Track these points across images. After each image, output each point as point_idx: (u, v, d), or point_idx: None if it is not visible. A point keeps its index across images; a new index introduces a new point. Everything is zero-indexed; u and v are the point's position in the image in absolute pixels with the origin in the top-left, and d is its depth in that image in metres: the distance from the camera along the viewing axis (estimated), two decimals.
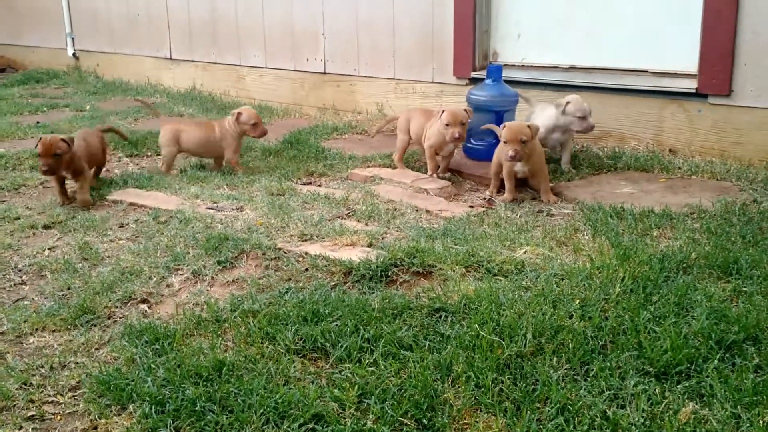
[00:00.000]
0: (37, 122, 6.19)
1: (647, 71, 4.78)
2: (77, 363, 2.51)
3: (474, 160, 4.83)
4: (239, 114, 4.66)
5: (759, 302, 2.62)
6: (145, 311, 2.90)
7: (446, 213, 3.90)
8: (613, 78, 4.87)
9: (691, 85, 4.48)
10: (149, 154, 5.31)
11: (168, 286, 3.09)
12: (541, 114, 4.52)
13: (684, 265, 2.99)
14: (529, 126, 3.94)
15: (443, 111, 4.34)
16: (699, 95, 4.45)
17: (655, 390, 2.15)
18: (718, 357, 2.29)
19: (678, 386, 2.18)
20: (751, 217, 3.53)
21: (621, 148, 4.77)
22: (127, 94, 7.64)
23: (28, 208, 4.10)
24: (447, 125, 4.27)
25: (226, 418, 2.12)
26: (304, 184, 4.51)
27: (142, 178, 4.55)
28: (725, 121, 4.38)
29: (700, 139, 4.51)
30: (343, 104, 6.34)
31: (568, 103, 4.33)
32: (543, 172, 4.08)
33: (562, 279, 2.91)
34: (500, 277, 2.98)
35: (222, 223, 3.69)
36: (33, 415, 2.24)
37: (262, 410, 2.13)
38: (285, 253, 3.29)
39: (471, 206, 4.05)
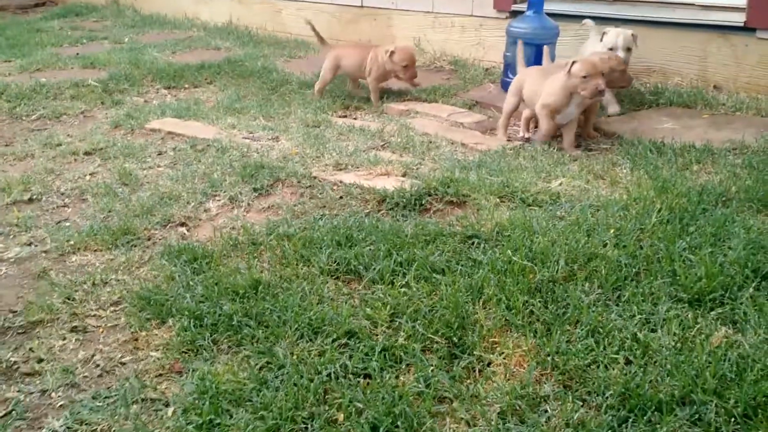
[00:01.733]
0: (77, 54, 6.25)
1: (694, 4, 4.62)
2: (118, 280, 2.59)
3: None
4: (392, 52, 4.57)
5: None
6: (184, 234, 2.96)
7: (482, 146, 3.87)
8: (660, 10, 4.71)
9: (739, 18, 4.31)
10: (186, 86, 5.33)
11: (205, 210, 3.15)
12: (591, 46, 4.41)
13: (723, 198, 2.95)
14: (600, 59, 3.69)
15: (573, 62, 3.60)
16: (747, 29, 4.29)
17: (687, 315, 2.15)
18: (753, 286, 2.27)
19: (711, 312, 2.17)
20: None
21: (664, 84, 4.65)
22: (164, 28, 7.63)
23: (69, 135, 4.17)
24: (585, 77, 3.54)
25: (262, 332, 2.18)
26: (340, 117, 4.50)
27: (180, 109, 4.58)
28: None
29: (746, 75, 4.37)
30: (379, 39, 6.23)
31: (604, 33, 4.22)
32: (593, 109, 3.86)
33: (598, 210, 2.89)
34: (534, 207, 2.98)
35: (258, 152, 3.72)
36: (76, 326, 2.33)
37: (296, 326, 2.19)
38: (320, 181, 3.31)
39: (508, 139, 4.01)
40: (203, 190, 3.29)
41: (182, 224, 3.04)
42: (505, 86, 4.84)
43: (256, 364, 2.06)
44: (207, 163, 3.61)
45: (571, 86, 3.59)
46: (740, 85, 4.40)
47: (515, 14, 5.14)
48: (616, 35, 4.18)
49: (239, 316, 2.25)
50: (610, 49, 4.15)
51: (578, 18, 4.95)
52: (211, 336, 2.20)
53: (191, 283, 2.49)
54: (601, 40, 4.24)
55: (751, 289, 2.25)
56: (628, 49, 4.18)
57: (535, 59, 4.61)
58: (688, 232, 2.63)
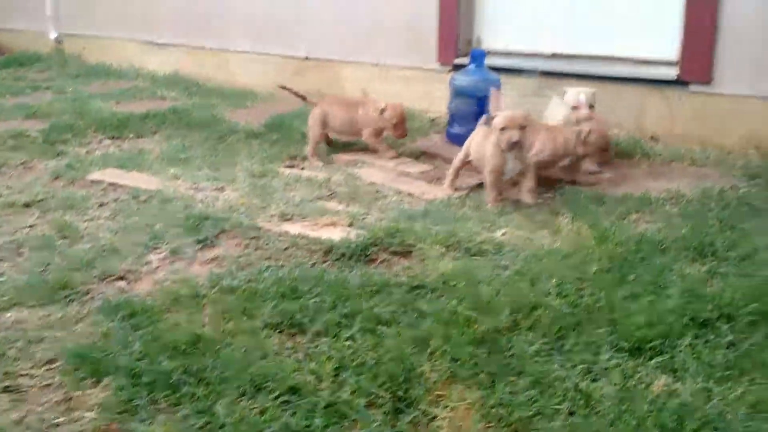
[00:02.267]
0: (19, 104, 6.13)
1: (630, 59, 4.80)
2: (54, 337, 2.49)
3: (456, 145, 4.82)
4: (383, 110, 4.57)
5: (733, 282, 2.65)
6: (123, 288, 2.88)
7: (428, 195, 3.92)
8: (596, 65, 4.89)
9: (672, 72, 4.51)
10: (131, 136, 5.26)
11: (146, 263, 3.08)
12: (555, 109, 4.46)
13: (661, 247, 3.02)
14: (524, 116, 3.63)
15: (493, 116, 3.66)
16: (680, 83, 4.49)
17: (628, 364, 2.18)
18: (691, 334, 2.32)
19: (651, 361, 2.20)
20: (728, 202, 3.57)
21: None
22: (110, 78, 7.56)
23: (7, 187, 4.06)
24: (502, 129, 3.55)
25: (202, 390, 2.12)
26: (287, 167, 4.49)
27: (123, 159, 4.52)
28: (705, 108, 4.42)
29: (681, 127, 4.55)
30: (328, 89, 6.29)
31: (564, 93, 4.33)
32: (531, 170, 3.75)
33: (540, 259, 2.93)
34: (479, 257, 3.00)
35: (202, 203, 3.68)
36: (8, 386, 2.22)
37: (238, 382, 2.13)
38: (265, 232, 3.28)
39: (456, 189, 4.06)
40: (145, 243, 3.22)
41: (122, 278, 2.97)
42: (450, 137, 4.94)
43: (195, 424, 1.99)
44: (149, 214, 3.55)
45: (497, 140, 3.59)
46: (676, 136, 4.57)
47: (458, 67, 5.27)
48: (577, 93, 4.26)
49: (178, 374, 2.19)
50: (574, 107, 4.24)
51: (520, 72, 5.11)
52: (148, 395, 2.13)
53: (129, 339, 2.42)
54: (563, 99, 4.32)
55: (689, 338, 2.30)
56: (591, 106, 4.24)
57: (478, 110, 4.73)
58: (627, 281, 2.69)
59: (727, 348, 2.25)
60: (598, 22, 4.95)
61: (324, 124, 4.73)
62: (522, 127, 3.55)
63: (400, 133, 4.60)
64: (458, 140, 4.84)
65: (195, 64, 7.42)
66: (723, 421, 1.90)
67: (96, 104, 6.07)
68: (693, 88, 4.44)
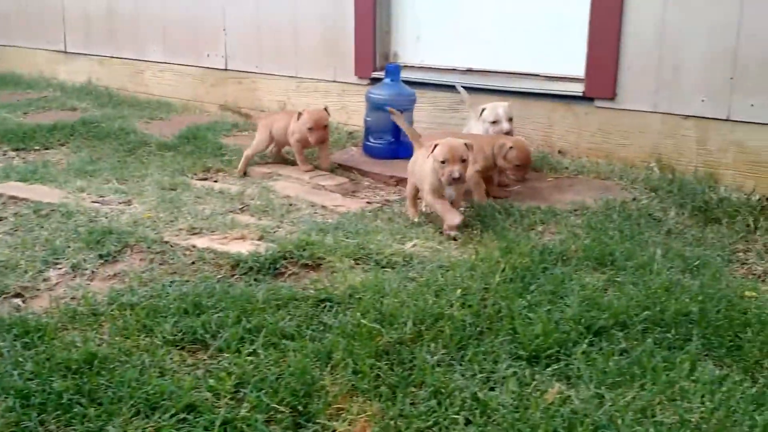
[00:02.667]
0: None
1: (539, 75, 4.95)
2: None
3: (373, 158, 4.86)
4: (299, 114, 4.50)
5: (629, 291, 2.75)
6: (19, 305, 2.76)
7: (342, 208, 3.92)
8: (508, 81, 5.01)
9: (578, 88, 4.66)
10: (36, 148, 5.07)
11: (45, 280, 2.96)
12: (473, 126, 4.48)
13: (563, 257, 3.11)
14: (466, 144, 3.49)
15: (436, 145, 3.46)
16: (586, 99, 4.65)
17: (525, 372, 2.22)
18: (587, 341, 2.39)
19: (547, 369, 2.26)
20: (630, 213, 3.71)
21: None
22: (18, 88, 7.29)
23: None
24: (442, 162, 3.42)
25: (94, 410, 2.04)
26: (200, 180, 4.42)
27: (27, 172, 4.34)
28: (610, 123, 4.59)
29: (587, 141, 4.71)
30: (245, 101, 6.25)
31: (483, 110, 4.34)
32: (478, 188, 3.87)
33: (447, 270, 2.97)
34: (388, 269, 3.02)
35: (107, 217, 3.57)
36: None
37: (132, 402, 2.07)
38: (171, 246, 3.21)
39: (368, 202, 4.08)
40: (44, 258, 3.10)
41: (17, 295, 2.84)
42: (366, 149, 4.96)
43: None
44: (50, 229, 3.42)
45: (437, 171, 3.44)
46: (582, 150, 4.73)
47: (375, 81, 5.31)
48: (495, 108, 4.29)
49: (70, 394, 2.10)
50: (494, 122, 4.29)
51: (435, 87, 5.19)
52: (38, 416, 2.04)
53: (20, 359, 2.31)
54: (480, 115, 4.33)
55: (584, 345, 2.37)
56: (510, 119, 4.30)
57: (394, 124, 4.78)
58: (529, 291, 2.75)
59: (621, 355, 2.33)
60: (511, 39, 5.07)
61: (270, 132, 4.71)
62: (463, 161, 3.40)
63: (316, 138, 4.47)
64: (374, 153, 4.88)
65: (108, 74, 7.23)
66: (612, 427, 1.96)
67: (1, 115, 5.82)
68: (598, 103, 4.61)
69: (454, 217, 3.44)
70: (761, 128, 4.02)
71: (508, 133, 4.21)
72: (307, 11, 5.78)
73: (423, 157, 3.61)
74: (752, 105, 4.03)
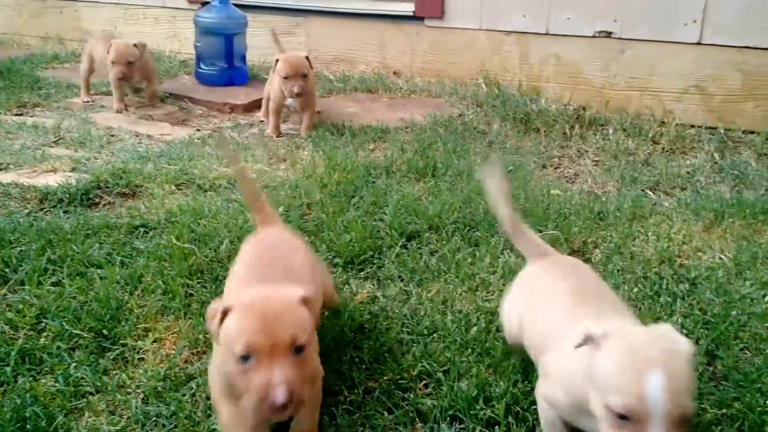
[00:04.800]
0: None
1: None
2: None
3: (206, 85, 4.69)
4: (109, 48, 4.13)
5: (445, 197, 2.85)
6: None
7: (168, 137, 3.76)
8: (341, 2, 4.94)
9: (409, 8, 4.68)
10: None
11: None
12: None
13: (388, 171, 3.17)
14: (307, 57, 3.68)
15: (277, 60, 3.68)
16: (416, 18, 4.68)
17: (339, 278, 2.26)
18: (399, 245, 2.46)
19: (361, 273, 2.31)
20: (456, 128, 3.82)
21: (351, 72, 4.91)
22: None
23: None
24: (286, 78, 3.64)
25: None
26: (15, 116, 4.08)
27: None
28: (439, 42, 4.66)
29: (420, 61, 4.77)
30: (69, 33, 5.81)
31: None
32: (312, 107, 3.86)
33: (273, 190, 2.94)
34: (211, 192, 2.95)
35: None
36: None
37: None
38: None
39: (198, 130, 3.95)
40: None
41: None
42: (198, 77, 4.77)
43: None
44: None
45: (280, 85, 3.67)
46: (415, 70, 4.79)
47: (207, 5, 5.07)
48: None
49: None
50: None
51: (268, 9, 5.04)
52: None
53: None
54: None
55: (397, 249, 2.44)
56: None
57: (226, 49, 4.62)
58: (351, 204, 2.78)
59: (430, 255, 2.43)
60: None
61: (91, 59, 4.39)
62: (304, 76, 3.62)
63: (117, 72, 4.06)
64: (207, 80, 4.71)
65: None
66: (414, 318, 2.04)
67: None
68: (428, 22, 4.65)
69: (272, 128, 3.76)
70: (577, 40, 4.23)
71: (299, 95, 3.65)
72: None
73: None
74: (568, 18, 4.21)
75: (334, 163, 3.19)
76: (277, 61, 3.67)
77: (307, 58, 3.69)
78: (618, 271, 2.33)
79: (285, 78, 3.62)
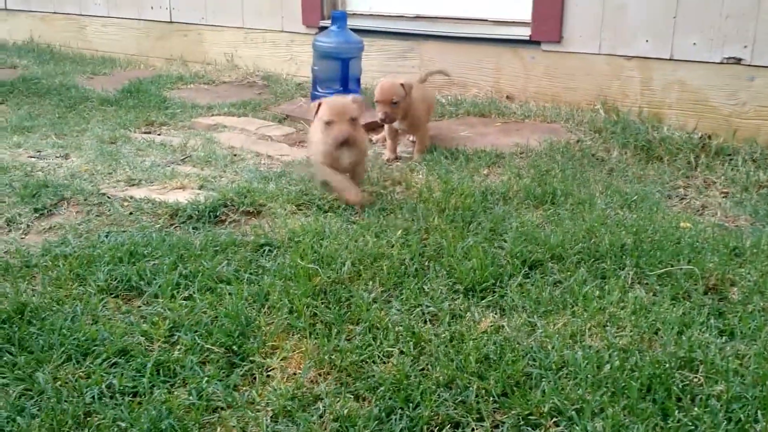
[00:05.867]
0: None
1: (486, 20, 4.91)
2: None
3: None
4: None
5: (567, 226, 2.78)
6: None
7: (287, 157, 3.87)
8: (456, 27, 4.96)
9: (525, 32, 4.64)
10: None
11: None
12: None
13: (505, 197, 3.13)
14: (402, 84, 3.60)
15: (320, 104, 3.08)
16: (532, 42, 4.63)
17: (461, 306, 2.24)
18: (522, 274, 2.41)
19: (482, 301, 2.28)
20: (573, 154, 3.74)
21: (463, 96, 4.90)
22: None
23: None
24: (376, 102, 3.61)
25: (24, 358, 2.01)
26: (144, 134, 4.32)
27: None
28: (556, 66, 4.59)
29: (534, 85, 4.71)
30: (192, 55, 6.11)
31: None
32: (420, 131, 3.84)
33: (390, 213, 2.96)
34: (330, 214, 3.00)
35: (43, 171, 3.48)
36: None
37: (63, 348, 2.04)
38: (108, 198, 3.14)
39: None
40: None
41: None
42: (314, 99, 4.88)
43: (13, 392, 1.89)
44: None
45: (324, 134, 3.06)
46: (529, 94, 4.73)
47: (324, 30, 5.21)
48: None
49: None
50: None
51: (384, 34, 5.12)
52: None
53: None
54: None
55: (520, 278, 2.39)
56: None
57: (342, 73, 4.72)
58: (469, 230, 2.76)
59: (554, 285, 2.36)
60: None
61: None
62: (353, 120, 3.02)
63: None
64: None
65: (50, 30, 6.99)
66: (542, 351, 1.99)
67: None
68: (544, 47, 4.59)
69: (351, 195, 3.04)
70: (702, 66, 4.06)
71: (383, 120, 3.66)
72: None
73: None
74: (694, 44, 4.05)
75: (451, 187, 3.18)
76: None
77: (402, 85, 3.61)
78: (759, 311, 2.19)
79: (375, 102, 3.65)
